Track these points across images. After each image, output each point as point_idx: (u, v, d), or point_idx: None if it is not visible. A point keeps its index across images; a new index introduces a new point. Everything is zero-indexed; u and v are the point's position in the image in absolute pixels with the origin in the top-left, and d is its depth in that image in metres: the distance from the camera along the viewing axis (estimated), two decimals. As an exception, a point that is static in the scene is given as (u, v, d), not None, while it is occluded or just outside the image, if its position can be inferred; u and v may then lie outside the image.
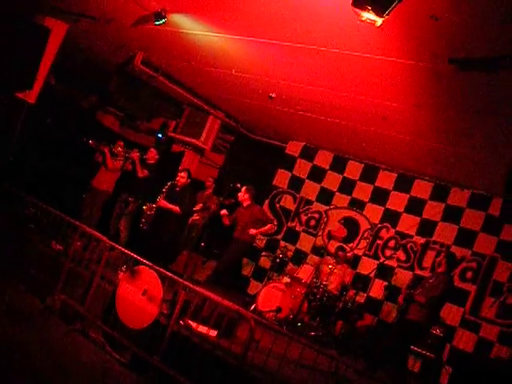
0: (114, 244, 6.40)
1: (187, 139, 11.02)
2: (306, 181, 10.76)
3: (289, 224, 10.72)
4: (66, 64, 8.93)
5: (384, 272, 9.15)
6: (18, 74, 7.83)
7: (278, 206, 10.90)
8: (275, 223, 10.11)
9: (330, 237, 10.18)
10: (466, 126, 6.56)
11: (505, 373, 7.22)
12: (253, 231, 8.33)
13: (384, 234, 9.75)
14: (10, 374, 4.26)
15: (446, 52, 4.93)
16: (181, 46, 7.70)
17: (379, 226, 9.84)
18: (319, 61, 6.31)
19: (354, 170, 10.34)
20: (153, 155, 9.11)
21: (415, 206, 9.50)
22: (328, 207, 10.47)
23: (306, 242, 10.44)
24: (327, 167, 10.60)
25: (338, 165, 10.52)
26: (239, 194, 8.56)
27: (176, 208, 8.35)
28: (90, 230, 6.58)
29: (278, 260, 9.56)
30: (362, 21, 4.33)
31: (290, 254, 10.05)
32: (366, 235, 9.91)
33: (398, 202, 9.72)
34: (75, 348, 5.36)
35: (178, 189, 8.54)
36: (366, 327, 8.92)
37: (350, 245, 9.99)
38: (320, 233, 10.40)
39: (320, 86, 7.19)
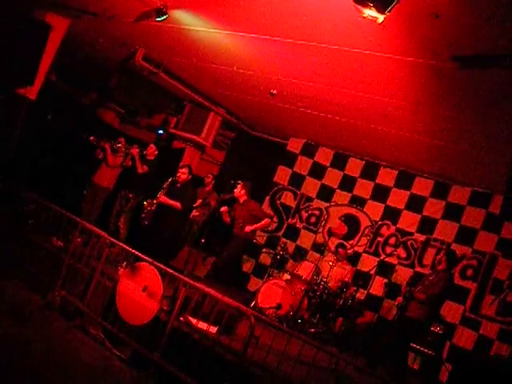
0: (114, 240, 6.40)
1: (188, 136, 11.02)
2: (307, 177, 10.76)
3: (289, 221, 10.73)
4: (66, 60, 8.94)
5: (384, 269, 9.17)
6: (19, 70, 7.83)
7: (278, 202, 10.90)
8: (274, 219, 10.14)
9: (331, 234, 10.18)
10: (467, 124, 6.55)
11: (504, 370, 7.23)
12: (248, 228, 8.31)
13: (384, 231, 9.75)
14: (10, 371, 4.27)
15: (447, 49, 4.92)
16: (182, 42, 7.69)
17: (380, 223, 9.84)
18: (320, 58, 6.30)
19: (354, 167, 10.34)
20: (152, 151, 9.09)
21: (416, 204, 9.49)
22: (328, 204, 10.47)
23: (306, 239, 10.44)
24: (328, 164, 10.60)
25: (339, 162, 10.52)
26: (235, 190, 8.55)
27: (177, 204, 8.34)
28: (90, 226, 6.57)
29: (278, 257, 9.56)
30: (364, 17, 4.33)
31: (290, 250, 10.06)
32: (366, 232, 9.91)
33: (398, 199, 9.72)
34: (75, 344, 5.37)
35: (178, 185, 8.54)
36: (366, 324, 8.92)
37: (351, 242, 9.99)
38: (320, 230, 10.40)
39: (321, 82, 7.18)
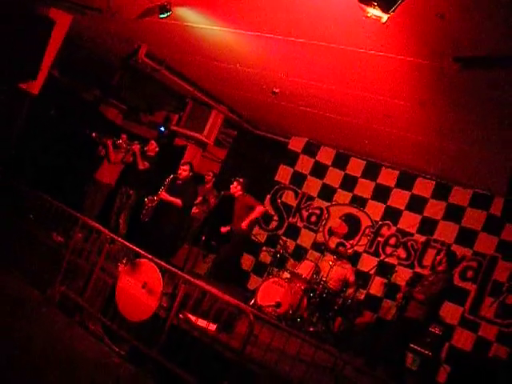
0: (114, 236, 6.40)
1: (190, 133, 11.01)
2: (308, 177, 10.75)
3: (290, 220, 10.72)
4: (69, 56, 8.92)
5: (384, 269, 9.16)
6: (22, 65, 7.82)
7: (279, 201, 10.90)
8: (274, 217, 10.16)
9: (331, 233, 10.20)
10: (470, 125, 6.54)
11: (502, 372, 7.24)
12: (244, 224, 8.32)
13: (385, 231, 9.74)
14: (9, 367, 4.27)
15: (451, 50, 4.91)
16: (185, 39, 7.68)
17: (380, 223, 9.83)
18: (323, 57, 6.30)
19: (356, 166, 10.32)
20: (153, 147, 9.09)
21: (417, 204, 9.48)
22: (329, 203, 10.46)
23: (306, 238, 10.44)
24: (329, 163, 10.59)
25: (340, 161, 10.51)
26: (231, 187, 8.56)
27: (177, 201, 8.35)
28: (90, 221, 6.58)
29: (278, 255, 9.55)
30: (368, 17, 4.33)
31: (290, 249, 10.06)
32: (366, 232, 9.91)
33: (399, 199, 9.71)
34: (74, 340, 5.37)
35: (179, 182, 8.54)
36: (365, 324, 8.93)
37: (351, 241, 9.98)
38: (321, 229, 10.40)
39: (324, 82, 7.18)
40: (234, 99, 10.18)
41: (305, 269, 8.83)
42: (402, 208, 9.62)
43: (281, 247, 9.79)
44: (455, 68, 5.13)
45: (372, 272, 9.27)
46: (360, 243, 9.90)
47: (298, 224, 10.64)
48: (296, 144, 10.97)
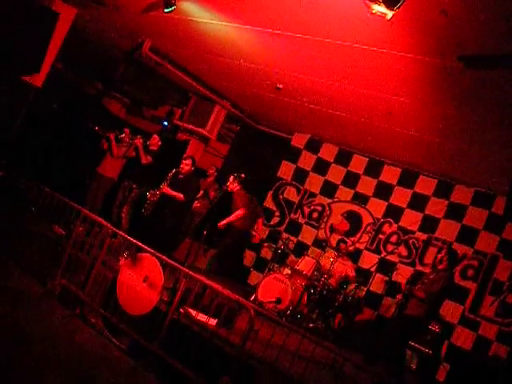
0: (116, 230, 6.40)
1: (193, 128, 11.02)
2: (311, 173, 10.74)
3: (291, 216, 10.72)
4: (73, 50, 8.92)
5: (385, 267, 9.16)
6: (25, 57, 7.82)
7: (281, 197, 10.90)
8: (276, 213, 10.19)
9: (333, 230, 10.19)
10: (472, 124, 6.53)
11: (502, 371, 7.24)
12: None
13: (386, 228, 9.74)
14: (8, 359, 4.28)
15: (455, 48, 4.90)
16: (189, 34, 7.67)
17: (382, 220, 9.83)
18: (328, 53, 6.28)
19: (358, 163, 10.31)
20: (156, 142, 9.10)
21: (418, 202, 9.47)
22: (331, 200, 10.45)
23: (307, 235, 10.44)
24: (332, 160, 10.58)
25: (343, 158, 10.50)
26: (228, 183, 8.59)
27: (179, 195, 8.36)
28: (92, 215, 6.57)
29: (279, 251, 9.57)
30: (373, 13, 4.33)
31: (291, 245, 10.07)
32: (368, 229, 9.90)
33: (401, 197, 9.70)
34: (74, 333, 5.37)
35: (181, 176, 8.55)
36: (365, 321, 8.94)
37: (352, 239, 9.98)
38: (322, 226, 10.39)
39: (327, 78, 7.16)
40: (237, 94, 10.18)
41: (306, 265, 8.83)
42: (404, 206, 9.61)
43: (282, 243, 9.79)
44: (459, 67, 5.12)
45: (373, 269, 9.27)
46: (361, 240, 9.91)
47: (300, 220, 10.64)
48: (298, 140, 10.96)
